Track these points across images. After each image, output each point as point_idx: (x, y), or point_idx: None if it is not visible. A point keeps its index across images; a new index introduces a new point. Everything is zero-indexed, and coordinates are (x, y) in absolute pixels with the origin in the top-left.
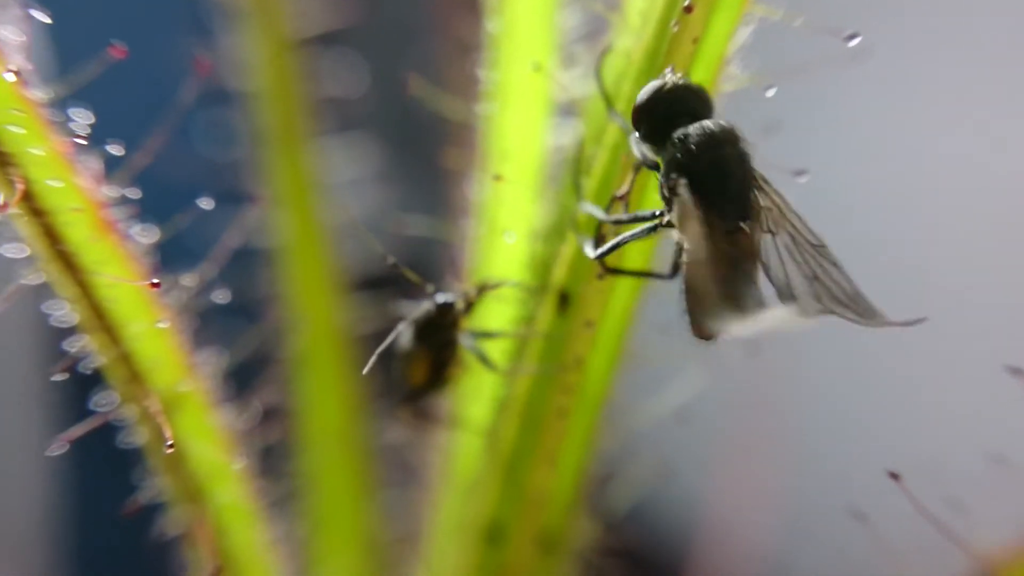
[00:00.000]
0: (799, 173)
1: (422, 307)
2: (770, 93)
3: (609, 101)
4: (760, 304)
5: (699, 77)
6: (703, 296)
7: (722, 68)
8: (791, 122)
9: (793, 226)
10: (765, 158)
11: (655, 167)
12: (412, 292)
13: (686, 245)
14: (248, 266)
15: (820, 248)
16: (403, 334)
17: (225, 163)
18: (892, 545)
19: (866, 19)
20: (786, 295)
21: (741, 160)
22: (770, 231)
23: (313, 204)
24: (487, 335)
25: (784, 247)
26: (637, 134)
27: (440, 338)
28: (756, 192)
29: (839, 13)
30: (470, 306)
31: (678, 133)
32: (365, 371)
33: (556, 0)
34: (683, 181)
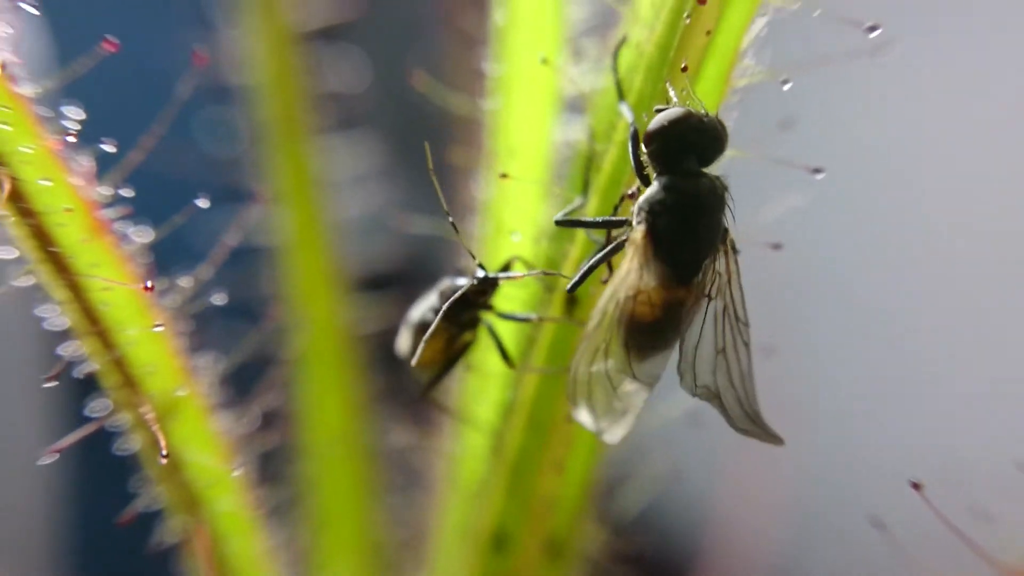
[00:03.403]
0: (816, 171)
1: (460, 281)
2: (786, 88)
3: (623, 95)
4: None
5: (712, 70)
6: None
7: (736, 61)
8: (808, 118)
9: (732, 296)
10: (779, 155)
11: (645, 181)
12: (415, 293)
13: (616, 279)
14: (249, 266)
15: (743, 325)
16: (426, 307)
17: (226, 160)
18: (910, 554)
19: (887, 9)
20: (687, 359)
21: (712, 228)
22: (709, 296)
23: (315, 202)
24: (510, 317)
25: (713, 313)
26: (643, 147)
27: (466, 316)
28: (716, 256)
29: (859, 3)
30: (495, 290)
31: (666, 181)
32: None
33: None
34: (645, 226)
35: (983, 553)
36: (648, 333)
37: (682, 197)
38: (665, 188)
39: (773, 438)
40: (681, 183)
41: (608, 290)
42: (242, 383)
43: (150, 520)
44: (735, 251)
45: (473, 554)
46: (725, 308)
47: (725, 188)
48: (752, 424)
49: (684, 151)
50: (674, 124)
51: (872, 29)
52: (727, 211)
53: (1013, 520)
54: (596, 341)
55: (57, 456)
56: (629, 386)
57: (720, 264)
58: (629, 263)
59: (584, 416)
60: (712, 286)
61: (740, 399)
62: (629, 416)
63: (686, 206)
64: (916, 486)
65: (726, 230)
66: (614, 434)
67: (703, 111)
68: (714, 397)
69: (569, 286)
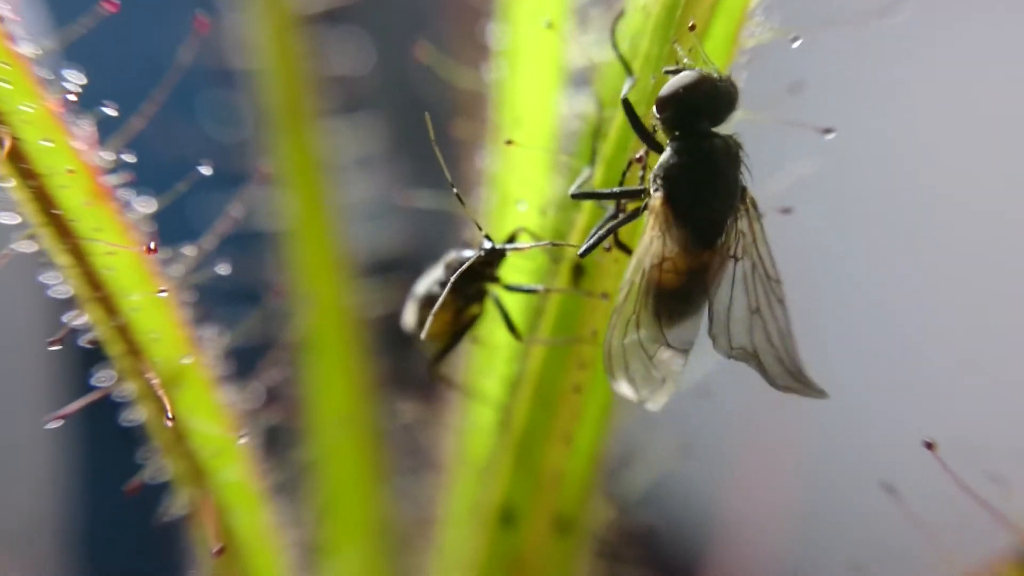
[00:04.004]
0: (827, 131)
1: (466, 253)
2: (795, 46)
3: (625, 64)
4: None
5: (720, 29)
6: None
7: (744, 21)
8: (817, 79)
9: (759, 255)
10: (789, 116)
11: (658, 149)
12: (419, 276)
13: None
14: (254, 248)
15: (775, 283)
16: (432, 280)
17: (230, 143)
18: (926, 522)
19: None
20: (719, 322)
21: (729, 188)
22: (735, 257)
23: (320, 185)
24: (517, 288)
25: (742, 273)
26: (655, 113)
27: (472, 289)
28: (738, 215)
29: None
30: (501, 261)
31: (678, 145)
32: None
33: None
34: (662, 193)
35: (1002, 519)
36: (677, 299)
37: (696, 160)
38: (678, 152)
39: (817, 392)
40: (694, 146)
41: (633, 261)
42: (248, 365)
43: (157, 492)
44: (757, 211)
45: (481, 530)
46: (754, 267)
47: (739, 146)
48: (795, 381)
49: (697, 115)
50: (688, 89)
51: None
52: (743, 169)
53: None
54: (626, 313)
55: (62, 423)
56: (664, 354)
57: (743, 223)
58: (651, 231)
59: (624, 387)
60: (737, 246)
61: (780, 357)
62: (669, 383)
63: (701, 168)
64: (929, 445)
65: (745, 189)
66: (657, 402)
67: (714, 71)
68: (751, 357)
69: (580, 251)
